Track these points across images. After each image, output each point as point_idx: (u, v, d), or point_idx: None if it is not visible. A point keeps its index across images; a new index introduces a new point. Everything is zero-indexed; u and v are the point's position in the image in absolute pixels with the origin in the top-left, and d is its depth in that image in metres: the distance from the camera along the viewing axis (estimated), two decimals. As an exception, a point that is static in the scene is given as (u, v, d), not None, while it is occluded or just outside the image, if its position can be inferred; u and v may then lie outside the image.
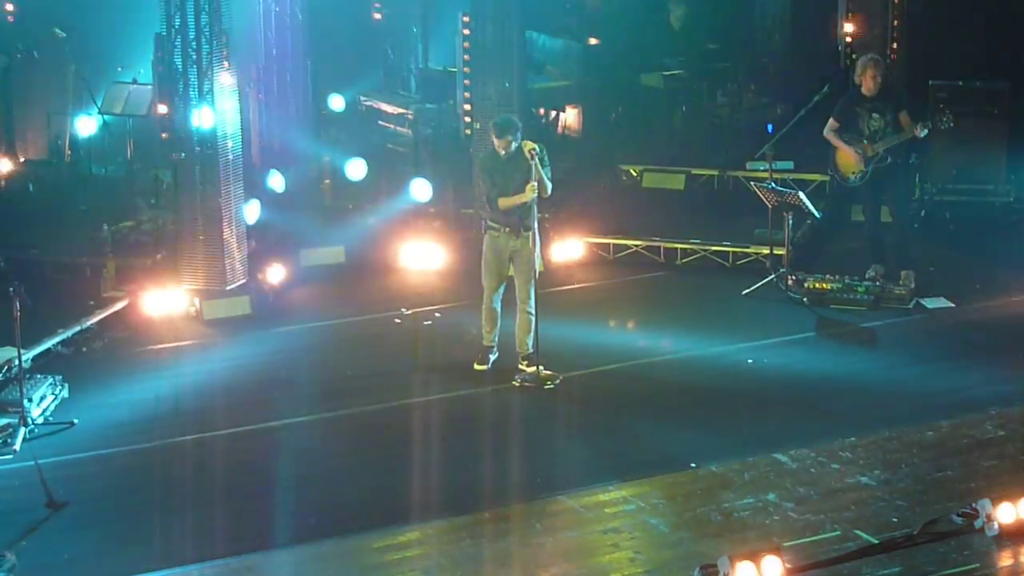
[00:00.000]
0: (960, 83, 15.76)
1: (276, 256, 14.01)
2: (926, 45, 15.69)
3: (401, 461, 9.93)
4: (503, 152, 11.26)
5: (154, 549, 8.76)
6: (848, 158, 13.41)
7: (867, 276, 13.30)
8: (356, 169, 15.90)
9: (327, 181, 15.90)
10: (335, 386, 11.49)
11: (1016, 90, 15.67)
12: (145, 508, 9.26)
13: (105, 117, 15.59)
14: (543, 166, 11.22)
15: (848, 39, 16.05)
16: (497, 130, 11.32)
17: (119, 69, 16.82)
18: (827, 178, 16.22)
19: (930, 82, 15.25)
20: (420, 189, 15.02)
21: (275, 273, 13.77)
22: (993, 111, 15.64)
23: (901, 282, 13.15)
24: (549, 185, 11.29)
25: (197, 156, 13.01)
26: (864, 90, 13.20)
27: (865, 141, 13.21)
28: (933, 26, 16.28)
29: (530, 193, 11.20)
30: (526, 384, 11.32)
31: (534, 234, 11.38)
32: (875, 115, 13.19)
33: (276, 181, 15.43)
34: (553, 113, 16.89)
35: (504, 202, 11.30)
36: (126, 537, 8.97)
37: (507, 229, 11.37)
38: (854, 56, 15.86)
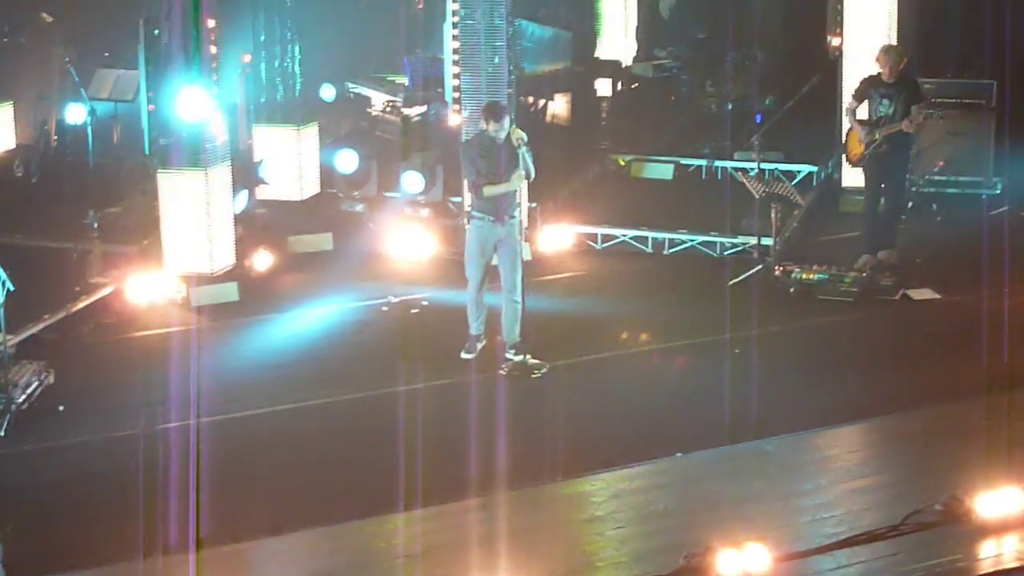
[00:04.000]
0: (949, 78, 15.86)
1: (264, 243, 14.03)
2: (917, 40, 15.74)
3: (387, 449, 9.91)
4: (494, 136, 11.26)
5: (141, 536, 8.76)
6: (852, 139, 13.63)
7: (856, 265, 13.37)
8: (346, 161, 15.90)
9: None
10: (321, 373, 11.48)
11: (1003, 84, 15.75)
12: (131, 495, 9.25)
13: (92, 102, 15.56)
14: (528, 155, 11.24)
15: (838, 30, 16.09)
16: (494, 113, 11.30)
17: (106, 54, 16.79)
18: (815, 168, 16.38)
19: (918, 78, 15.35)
20: (412, 181, 15.03)
21: (262, 260, 13.78)
22: (980, 103, 15.71)
23: (856, 264, 13.24)
24: (533, 172, 11.33)
25: (185, 142, 13.01)
26: (882, 75, 13.36)
27: (879, 127, 13.36)
28: (923, 23, 16.35)
29: (517, 182, 11.23)
30: (513, 373, 11.34)
31: (520, 223, 11.42)
32: (885, 101, 13.34)
33: (268, 170, 15.43)
34: (542, 101, 16.90)
35: (489, 190, 11.30)
36: (112, 524, 8.97)
37: (491, 218, 11.36)
38: (844, 48, 15.90)
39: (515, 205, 11.42)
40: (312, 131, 15.87)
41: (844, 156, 14.31)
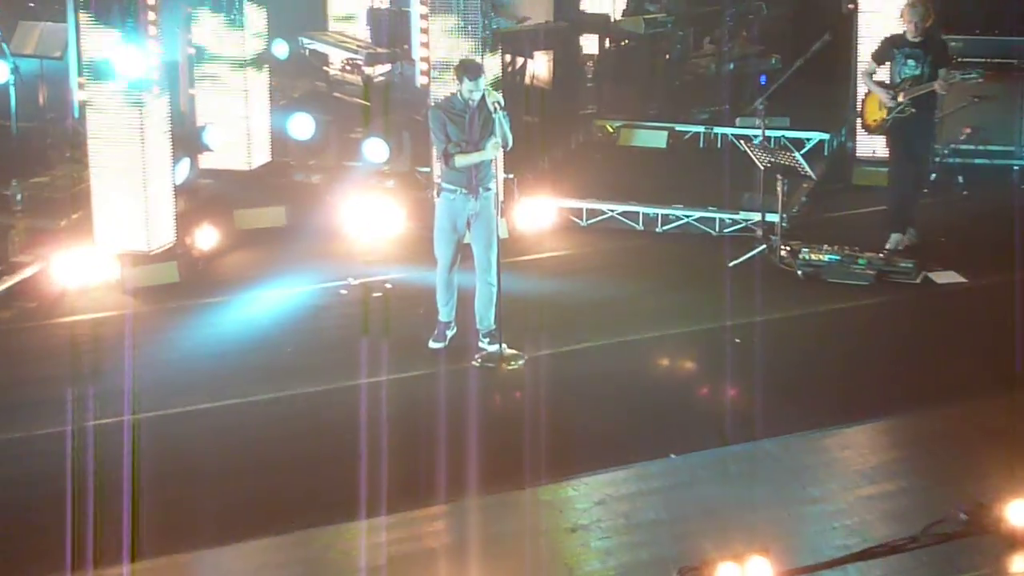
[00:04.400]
0: (976, 35, 15.85)
1: (208, 218, 13.97)
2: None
3: (347, 449, 9.90)
4: (468, 98, 11.21)
5: (69, 547, 8.71)
6: (871, 104, 13.63)
7: (887, 246, 13.37)
8: (301, 126, 15.83)
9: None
10: (273, 364, 11.45)
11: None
12: (58, 500, 9.19)
13: (15, 59, 15.45)
14: (505, 119, 11.19)
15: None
16: (468, 72, 11.23)
17: (31, 4, 16.68)
18: (826, 136, 16.37)
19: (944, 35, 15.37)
20: (375, 149, 14.98)
21: (206, 237, 13.73)
22: (1011, 63, 15.73)
23: (888, 246, 13.32)
24: (511, 139, 11.29)
25: (119, 103, 12.94)
26: (907, 33, 13.37)
27: (903, 90, 13.37)
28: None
29: (492, 151, 11.19)
30: (487, 365, 11.32)
31: (496, 196, 11.39)
32: (911, 61, 13.35)
33: (211, 137, 15.36)
34: (520, 61, 16.86)
35: (462, 159, 11.25)
36: (37, 533, 8.91)
37: (464, 190, 11.33)
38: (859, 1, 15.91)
39: (490, 176, 11.38)
40: (262, 81, 15.79)
41: (861, 123, 14.31)
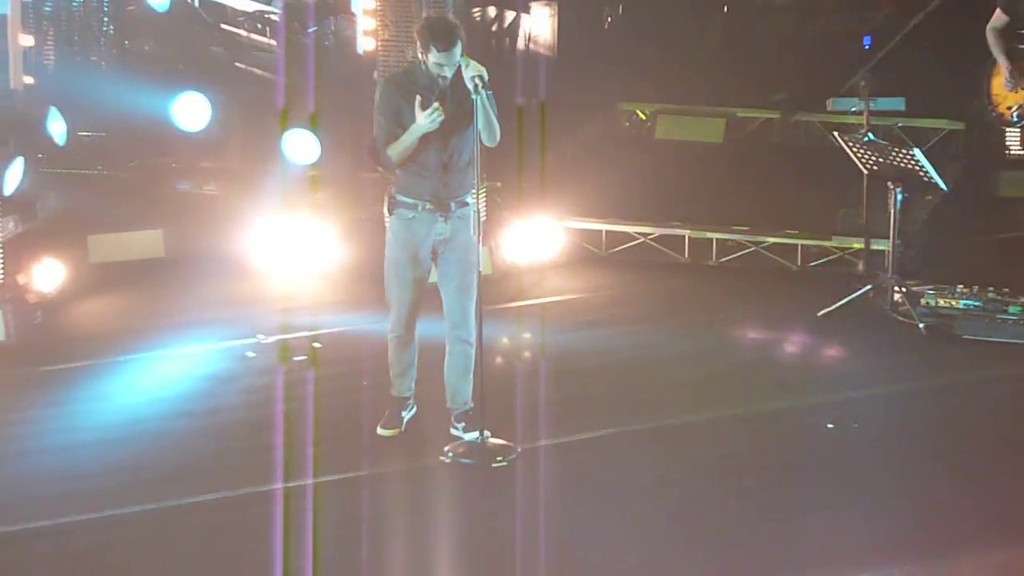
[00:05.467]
0: None
1: (50, 246, 14.00)
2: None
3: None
4: (436, 73, 11.21)
5: None
6: (1002, 80, 13.64)
7: None
8: (189, 112, 15.86)
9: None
10: (148, 462, 11.45)
11: None
12: None
13: None
14: (489, 102, 11.20)
15: None
16: (438, 38, 11.22)
17: None
18: (958, 126, 16.42)
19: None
20: (299, 146, 15.02)
21: (48, 274, 13.75)
22: None
23: None
24: (498, 129, 11.28)
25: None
26: None
27: None
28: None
29: (433, 116, 11.05)
30: (462, 461, 11.34)
31: (476, 215, 11.41)
32: None
33: (56, 127, 15.41)
34: (511, 16, 16.95)
35: (395, 148, 11.13)
36: None
37: (429, 206, 11.34)
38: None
39: (468, 185, 11.38)
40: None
41: (989, 108, 14.33)
